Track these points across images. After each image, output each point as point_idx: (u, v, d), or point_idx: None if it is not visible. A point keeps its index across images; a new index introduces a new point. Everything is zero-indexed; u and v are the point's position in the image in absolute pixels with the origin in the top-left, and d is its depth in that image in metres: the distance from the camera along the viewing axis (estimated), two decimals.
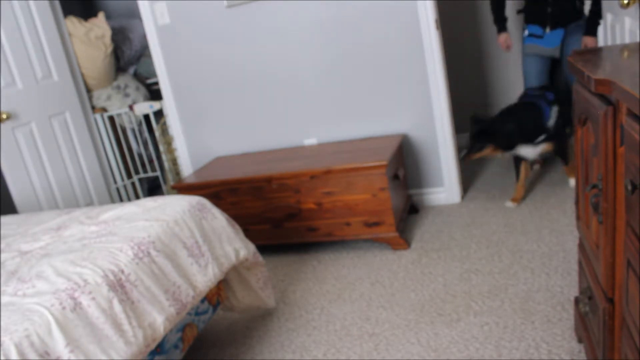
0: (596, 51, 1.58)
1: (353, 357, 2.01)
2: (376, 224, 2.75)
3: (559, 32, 3.16)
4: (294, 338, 2.20)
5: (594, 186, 1.25)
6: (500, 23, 3.31)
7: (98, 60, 3.91)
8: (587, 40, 3.08)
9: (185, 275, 1.80)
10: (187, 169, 3.67)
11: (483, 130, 2.91)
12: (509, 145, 2.94)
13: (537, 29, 3.20)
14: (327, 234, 2.86)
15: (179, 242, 1.84)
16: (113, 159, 4.05)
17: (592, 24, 3.05)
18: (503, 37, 3.33)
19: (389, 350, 2.01)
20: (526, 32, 3.27)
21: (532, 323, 1.99)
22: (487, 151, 2.94)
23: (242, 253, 2.08)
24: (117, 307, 1.51)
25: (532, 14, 3.23)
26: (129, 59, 4.31)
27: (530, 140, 2.94)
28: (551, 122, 2.96)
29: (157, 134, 3.97)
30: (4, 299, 1.45)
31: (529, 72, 3.35)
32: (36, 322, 1.33)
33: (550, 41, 3.17)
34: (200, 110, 3.52)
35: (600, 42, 3.13)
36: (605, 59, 1.48)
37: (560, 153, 3.10)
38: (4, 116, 3.17)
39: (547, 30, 3.18)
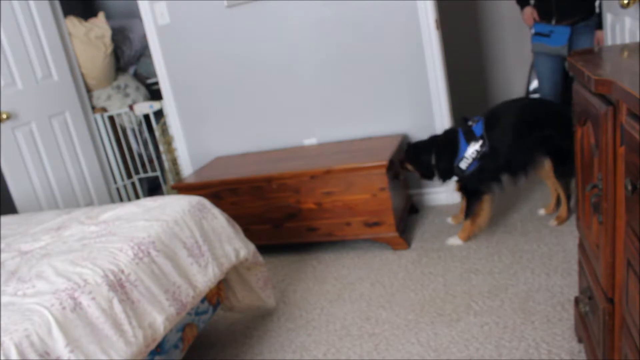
0: (596, 51, 1.58)
1: (353, 357, 2.01)
2: (376, 224, 2.75)
3: (566, 30, 3.13)
4: (294, 338, 2.20)
5: (594, 186, 1.25)
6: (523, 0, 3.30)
7: (98, 60, 3.91)
8: (600, 35, 3.05)
9: (185, 275, 1.80)
10: (187, 169, 3.67)
11: (413, 148, 2.77)
12: (426, 175, 2.76)
13: (543, 27, 3.18)
14: (327, 234, 2.86)
15: (179, 242, 1.84)
16: (113, 159, 4.05)
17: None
18: (528, 11, 3.25)
19: (389, 350, 2.01)
20: (533, 31, 3.27)
21: (532, 323, 1.99)
22: (410, 168, 2.80)
23: (242, 253, 2.08)
24: (117, 307, 1.51)
25: (538, 10, 3.22)
26: (129, 59, 4.30)
27: (444, 178, 2.71)
28: (464, 164, 2.57)
29: (157, 134, 3.96)
30: (4, 299, 1.45)
31: (541, 72, 3.35)
32: (36, 322, 1.33)
33: (557, 39, 3.15)
34: (200, 110, 3.52)
35: None
36: (605, 59, 1.48)
37: (468, 204, 2.69)
38: (4, 116, 3.17)
39: (553, 22, 3.15)
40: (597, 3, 3.12)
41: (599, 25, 3.06)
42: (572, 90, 3.48)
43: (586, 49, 1.62)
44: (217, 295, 2.16)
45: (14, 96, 3.27)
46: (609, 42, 2.93)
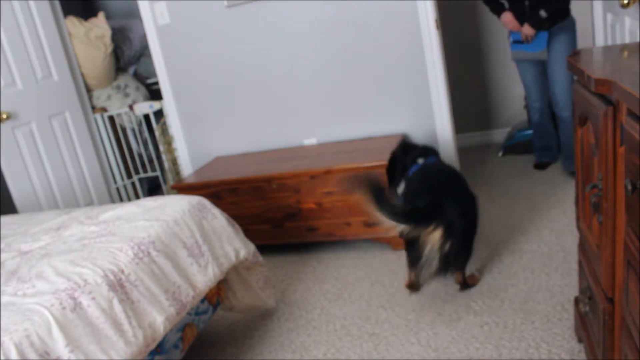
0: (596, 51, 1.58)
1: (353, 357, 2.01)
2: (376, 223, 2.75)
3: (543, 35, 3.02)
4: (294, 338, 2.20)
5: (594, 186, 1.25)
6: (498, 7, 3.13)
7: (98, 60, 3.91)
8: (526, 28, 2.99)
9: (185, 275, 1.80)
10: (187, 169, 3.67)
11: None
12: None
13: (520, 35, 3.08)
14: (327, 234, 2.86)
15: (179, 242, 1.84)
16: (113, 159, 4.05)
17: (536, 16, 2.94)
18: (509, 16, 3.09)
19: (389, 350, 2.01)
20: (511, 39, 3.17)
21: (532, 323, 1.99)
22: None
23: (242, 253, 2.08)
24: (117, 307, 1.51)
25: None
26: (129, 59, 4.30)
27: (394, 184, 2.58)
28: (399, 187, 2.49)
29: (157, 134, 3.96)
30: (4, 299, 1.45)
31: (526, 80, 3.28)
32: (36, 322, 1.33)
33: (536, 45, 3.06)
34: (200, 110, 3.52)
35: (600, 42, 3.12)
36: (605, 59, 1.48)
37: None
38: (4, 116, 3.17)
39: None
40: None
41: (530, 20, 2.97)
42: (552, 96, 3.29)
43: (586, 50, 1.62)
44: (217, 295, 2.16)
45: (14, 96, 3.27)
46: (609, 42, 2.93)
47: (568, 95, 3.00)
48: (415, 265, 2.25)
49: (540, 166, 3.48)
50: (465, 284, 2.30)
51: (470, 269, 2.45)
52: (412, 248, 2.21)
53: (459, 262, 2.24)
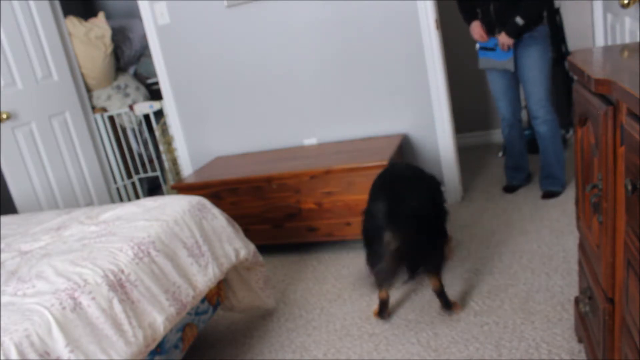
0: (596, 51, 1.58)
1: (353, 357, 2.01)
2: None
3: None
4: (294, 338, 2.20)
5: (594, 186, 1.25)
6: (470, 15, 2.96)
7: (98, 60, 3.91)
8: (502, 37, 2.85)
9: (185, 275, 1.80)
10: (187, 169, 3.67)
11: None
12: None
13: (487, 41, 2.94)
14: (327, 234, 2.86)
15: (179, 242, 1.84)
16: (113, 159, 4.05)
17: (513, 24, 2.79)
18: (477, 25, 2.92)
19: (389, 350, 2.01)
20: (477, 46, 3.03)
21: (532, 323, 1.99)
22: None
23: (242, 253, 2.08)
24: (117, 307, 1.51)
25: (482, 24, 2.96)
26: (129, 59, 4.30)
27: None
28: None
29: (157, 134, 3.96)
30: (4, 299, 1.45)
31: (494, 91, 3.10)
32: (36, 322, 1.33)
33: (502, 53, 2.90)
34: (200, 110, 3.52)
35: (600, 42, 3.12)
36: (605, 59, 1.48)
37: None
38: (4, 116, 3.17)
39: (497, 35, 2.89)
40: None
41: (507, 30, 2.80)
42: (529, 110, 3.12)
43: (586, 50, 1.62)
44: (217, 295, 2.16)
45: (14, 96, 3.27)
46: (609, 42, 2.93)
47: (545, 110, 2.91)
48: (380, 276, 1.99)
49: (509, 189, 3.23)
50: (446, 300, 2.14)
51: (470, 269, 2.45)
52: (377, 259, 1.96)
53: (426, 264, 2.06)
